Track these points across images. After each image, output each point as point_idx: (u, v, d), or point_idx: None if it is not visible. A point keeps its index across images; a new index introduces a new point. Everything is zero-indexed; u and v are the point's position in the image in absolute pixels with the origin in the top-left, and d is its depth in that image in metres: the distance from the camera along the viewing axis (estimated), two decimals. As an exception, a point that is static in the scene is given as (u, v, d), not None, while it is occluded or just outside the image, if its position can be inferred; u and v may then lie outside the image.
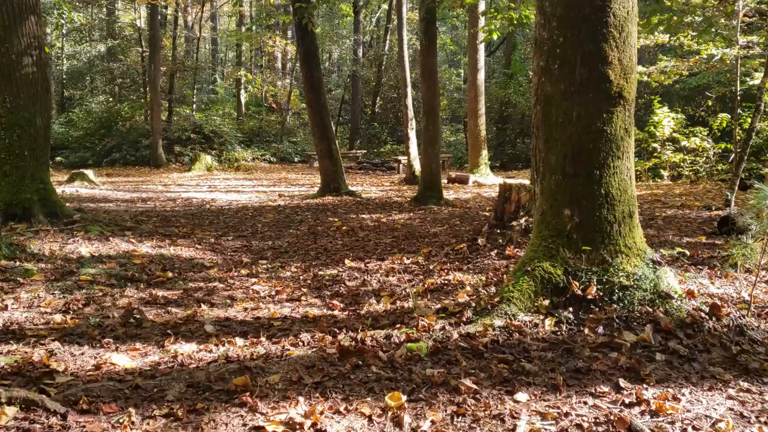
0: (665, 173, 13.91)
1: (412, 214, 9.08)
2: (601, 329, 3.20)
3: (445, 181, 13.57)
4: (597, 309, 3.33)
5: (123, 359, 3.03)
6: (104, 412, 2.39)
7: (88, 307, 4.04)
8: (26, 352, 3.09)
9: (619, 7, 3.41)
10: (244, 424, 2.33)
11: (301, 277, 5.14)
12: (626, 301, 3.35)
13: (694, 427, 2.32)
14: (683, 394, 2.59)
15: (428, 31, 10.38)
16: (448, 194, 11.35)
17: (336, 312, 4.03)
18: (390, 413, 2.40)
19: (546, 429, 2.31)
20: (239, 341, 3.33)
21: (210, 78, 30.61)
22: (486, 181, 14.71)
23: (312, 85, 11.45)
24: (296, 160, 23.64)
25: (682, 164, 13.81)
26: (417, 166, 13.55)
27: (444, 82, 24.52)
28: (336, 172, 11.62)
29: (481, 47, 15.41)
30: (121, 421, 2.32)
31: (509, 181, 6.30)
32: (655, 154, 13.98)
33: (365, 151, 23.16)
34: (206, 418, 2.36)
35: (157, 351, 3.21)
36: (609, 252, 3.46)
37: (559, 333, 3.20)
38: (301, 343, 3.26)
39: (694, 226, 7.09)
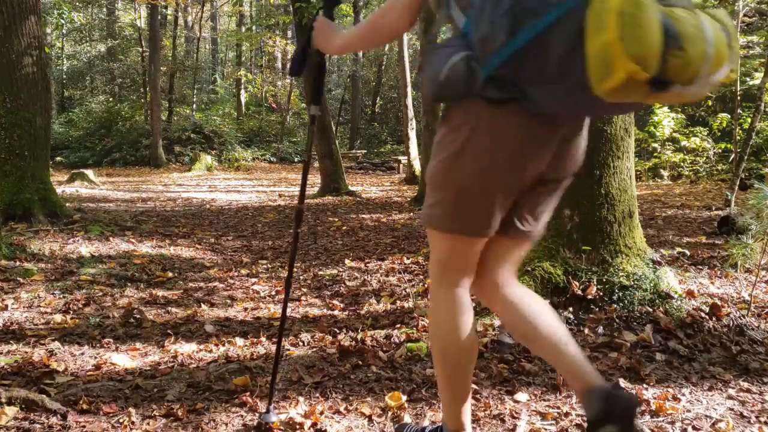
0: (665, 173, 13.91)
1: (412, 214, 9.07)
2: (601, 329, 3.20)
3: (445, 181, 13.55)
4: (597, 309, 3.33)
5: (123, 359, 3.03)
6: (104, 412, 2.39)
7: (88, 307, 4.04)
8: (26, 352, 3.08)
9: (619, 7, 3.40)
10: (244, 424, 2.33)
11: (301, 277, 5.14)
12: (626, 301, 3.35)
13: (694, 427, 2.32)
14: (683, 394, 2.59)
15: (428, 30, 10.38)
16: (448, 194, 11.33)
17: (336, 312, 4.03)
18: (390, 413, 2.40)
19: (546, 429, 2.31)
20: (239, 341, 3.33)
21: (210, 78, 30.62)
22: (486, 181, 14.69)
23: (312, 85, 11.45)
24: (296, 160, 23.64)
25: (682, 164, 13.81)
26: (417, 166, 13.55)
27: (444, 82, 24.48)
28: (336, 172, 11.62)
29: (481, 47, 15.40)
30: (121, 421, 2.32)
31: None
32: (655, 154, 13.97)
33: (365, 151, 23.18)
34: (206, 418, 2.36)
35: (157, 351, 3.21)
36: (609, 252, 3.46)
37: (559, 333, 3.19)
38: (301, 343, 3.26)
39: (694, 226, 7.09)
